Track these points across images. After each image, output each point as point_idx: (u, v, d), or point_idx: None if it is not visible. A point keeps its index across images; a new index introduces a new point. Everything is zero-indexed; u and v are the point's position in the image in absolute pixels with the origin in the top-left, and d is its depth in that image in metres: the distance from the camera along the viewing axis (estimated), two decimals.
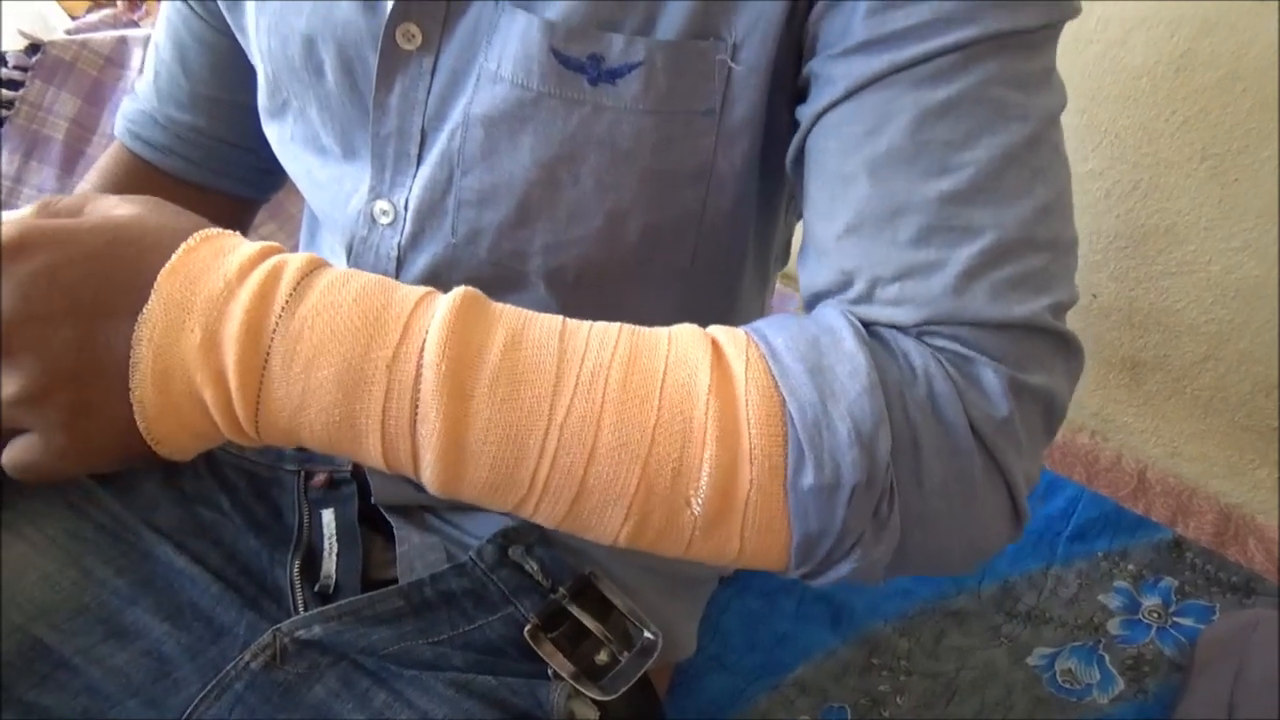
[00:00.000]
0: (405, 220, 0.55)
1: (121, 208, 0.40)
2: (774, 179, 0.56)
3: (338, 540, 0.64)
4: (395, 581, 0.61)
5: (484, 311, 0.40)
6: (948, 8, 0.42)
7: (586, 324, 0.41)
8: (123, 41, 1.08)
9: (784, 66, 0.48)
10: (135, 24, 1.18)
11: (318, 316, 0.38)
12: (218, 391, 0.37)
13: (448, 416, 0.38)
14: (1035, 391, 0.41)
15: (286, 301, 0.38)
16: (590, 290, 0.56)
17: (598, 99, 0.48)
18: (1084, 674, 0.88)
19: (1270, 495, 1.10)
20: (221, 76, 0.66)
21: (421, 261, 0.55)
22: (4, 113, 1.04)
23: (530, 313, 0.41)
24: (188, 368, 0.37)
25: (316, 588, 0.62)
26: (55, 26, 1.21)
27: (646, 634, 0.60)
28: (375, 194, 0.55)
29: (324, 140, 0.57)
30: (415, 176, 0.53)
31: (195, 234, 0.39)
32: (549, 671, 0.58)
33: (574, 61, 0.48)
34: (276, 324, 0.37)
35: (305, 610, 0.61)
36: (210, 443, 0.40)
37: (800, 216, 0.62)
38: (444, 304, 0.39)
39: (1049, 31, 0.44)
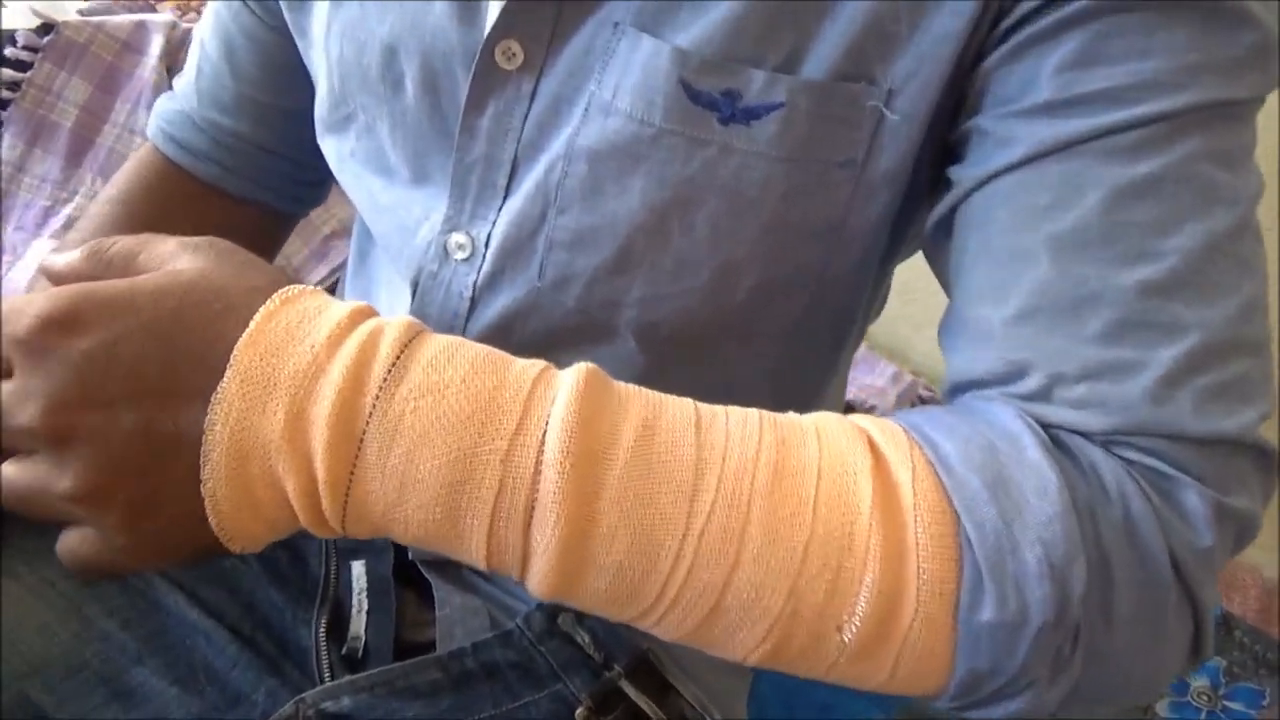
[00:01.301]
0: (485, 257, 0.49)
1: (184, 259, 0.35)
2: (900, 238, 0.50)
3: (369, 596, 0.58)
4: (431, 646, 0.56)
5: (609, 395, 0.35)
6: (1154, 70, 0.37)
7: (722, 411, 0.36)
8: (141, 26, 1.01)
9: (940, 118, 0.43)
10: (153, 7, 1.12)
11: (421, 399, 0.32)
12: (302, 481, 0.32)
13: (570, 520, 0.32)
14: (1236, 516, 0.36)
15: (385, 379, 0.32)
16: (684, 347, 0.50)
17: (727, 140, 0.43)
18: None
19: None
20: (272, 79, 0.61)
21: (499, 303, 0.50)
22: (9, 95, 0.97)
23: (657, 395, 0.36)
24: (268, 454, 0.32)
25: (344, 650, 0.56)
26: (68, 5, 1.15)
27: None
28: (451, 225, 0.49)
29: (392, 160, 0.52)
30: (501, 210, 0.48)
31: (275, 295, 0.33)
32: None
33: (705, 97, 0.42)
34: (373, 406, 0.32)
35: (332, 676, 0.55)
36: (285, 534, 0.35)
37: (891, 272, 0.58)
38: (566, 386, 0.34)
39: (1256, 105, 0.40)
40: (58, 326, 0.31)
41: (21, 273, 0.91)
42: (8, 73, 0.97)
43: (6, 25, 1.00)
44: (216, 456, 0.31)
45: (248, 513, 0.33)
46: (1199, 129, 0.37)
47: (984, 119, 0.41)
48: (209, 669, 0.54)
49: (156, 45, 1.00)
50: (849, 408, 1.10)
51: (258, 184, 0.64)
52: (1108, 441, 0.37)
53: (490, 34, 0.44)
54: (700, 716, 0.55)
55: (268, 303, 0.33)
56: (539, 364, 0.35)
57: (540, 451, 0.33)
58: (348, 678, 0.53)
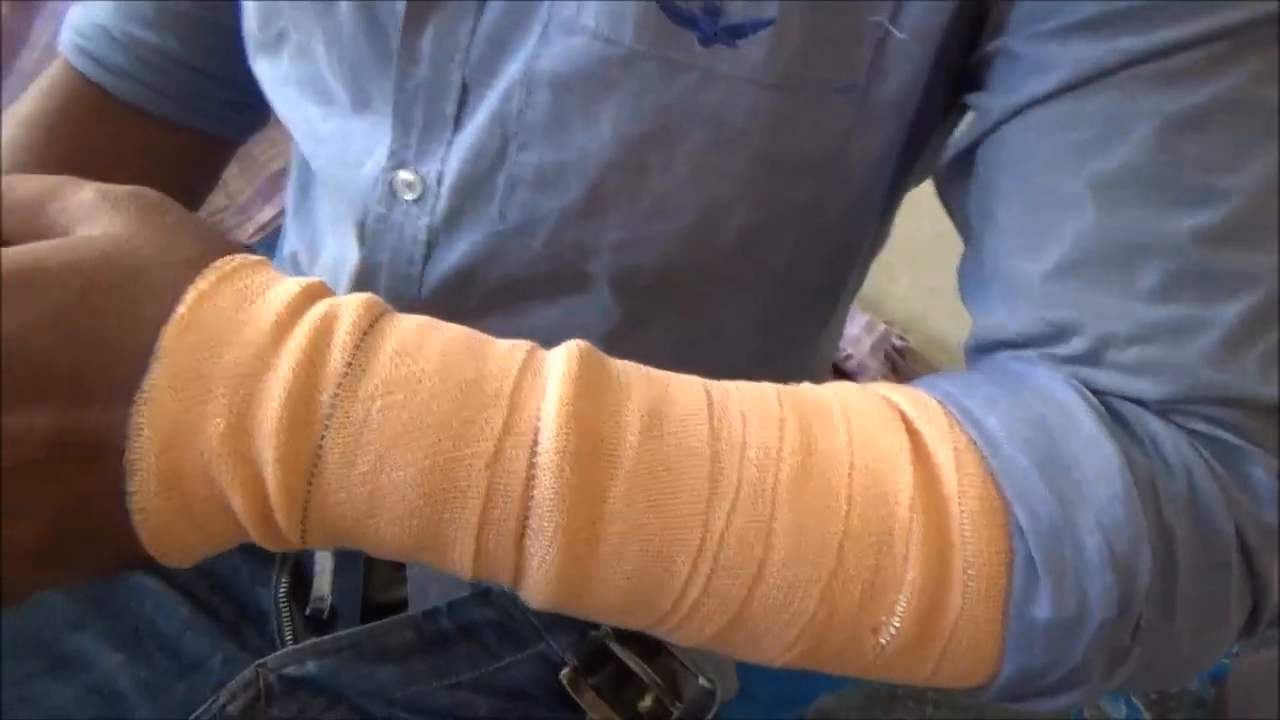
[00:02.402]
0: (439, 196, 0.44)
1: (100, 218, 0.29)
2: (907, 171, 0.46)
3: (333, 554, 0.53)
4: (402, 606, 0.52)
5: (608, 381, 0.30)
6: None
7: (733, 390, 0.32)
8: None
9: (955, 35, 0.38)
10: None
11: (389, 396, 0.28)
12: (250, 496, 0.27)
13: (572, 530, 0.28)
14: None
15: (344, 374, 0.27)
16: (663, 295, 0.46)
17: (710, 63, 0.37)
18: (1111, 709, 0.83)
19: None
20: None
21: (459, 249, 0.45)
22: None
23: (661, 376, 0.32)
24: (207, 465, 0.27)
25: (308, 611, 0.52)
26: None
27: (702, 681, 0.52)
28: (398, 161, 0.44)
29: (331, 85, 0.46)
30: (452, 143, 0.43)
31: (209, 270, 0.28)
32: None
33: (684, 14, 0.37)
34: (332, 407, 0.27)
35: (295, 640, 0.51)
36: (231, 546, 0.30)
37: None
38: (556, 375, 0.29)
39: None
40: None
41: None
42: None
43: None
44: (145, 467, 0.27)
45: (184, 528, 0.28)
46: (1261, 47, 0.33)
47: (1014, 39, 0.36)
48: (157, 634, 0.50)
49: None
50: (836, 370, 1.07)
51: (186, 107, 0.57)
52: (1165, 409, 0.33)
53: None
54: (693, 676, 0.52)
55: (198, 280, 0.28)
56: (523, 346, 0.31)
57: (533, 454, 0.28)
58: (311, 641, 0.49)
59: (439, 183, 0.43)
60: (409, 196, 0.44)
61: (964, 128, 0.40)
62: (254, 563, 0.53)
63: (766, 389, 0.33)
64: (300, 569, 0.54)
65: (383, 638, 0.49)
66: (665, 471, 0.29)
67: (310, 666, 0.48)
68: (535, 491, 0.28)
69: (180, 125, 0.58)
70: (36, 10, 0.92)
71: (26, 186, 0.30)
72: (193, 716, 0.46)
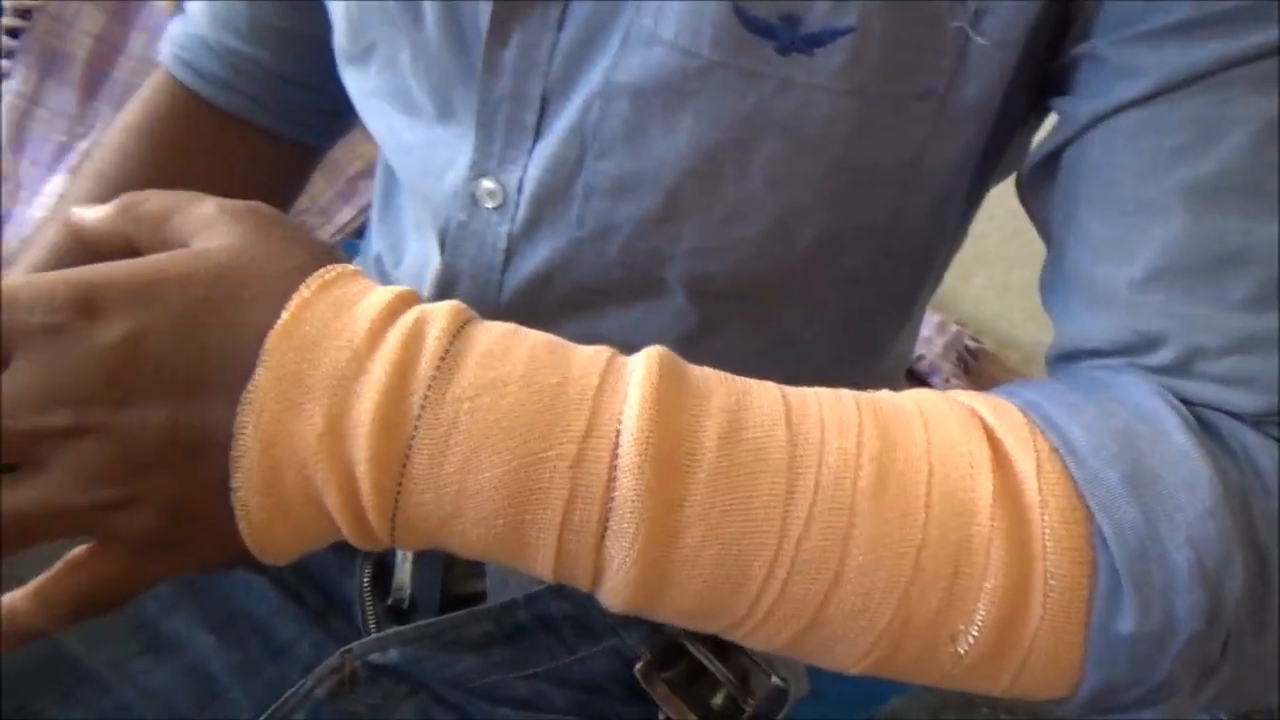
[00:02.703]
0: (519, 205, 0.45)
1: (220, 229, 0.31)
2: (986, 176, 0.46)
3: None
4: (481, 598, 0.53)
5: (688, 388, 0.31)
6: None
7: (813, 397, 0.32)
8: None
9: (1038, 39, 0.38)
10: None
11: (477, 399, 0.29)
12: (343, 493, 0.29)
13: (651, 533, 0.29)
14: None
15: (434, 377, 0.29)
16: (738, 302, 0.46)
17: (787, 72, 0.37)
18: None
19: None
20: (290, 2, 0.56)
21: (538, 255, 0.45)
22: (20, 24, 0.93)
23: (740, 382, 0.32)
24: (304, 463, 0.28)
25: (389, 601, 0.54)
26: None
27: (775, 680, 0.52)
28: (479, 170, 0.45)
29: (415, 96, 0.47)
30: (533, 153, 0.43)
31: (310, 280, 0.30)
32: (660, 717, 0.50)
33: (761, 23, 0.37)
34: (422, 408, 0.29)
35: (377, 628, 0.53)
36: (323, 545, 0.31)
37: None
38: (637, 380, 0.30)
39: None
40: (79, 314, 0.28)
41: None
42: (19, 1, 0.93)
43: None
44: (248, 464, 0.28)
45: (282, 524, 0.29)
46: None
47: (1101, 43, 0.36)
48: (249, 619, 0.52)
49: None
50: (913, 375, 1.06)
51: (281, 116, 0.60)
52: (1261, 421, 0.33)
53: None
54: (766, 674, 0.53)
55: (300, 289, 0.30)
56: (605, 352, 0.32)
57: (614, 456, 0.29)
58: (395, 629, 0.50)
59: (519, 191, 0.44)
60: (490, 205, 0.45)
61: (1047, 132, 0.39)
62: (339, 553, 0.55)
63: (845, 395, 0.33)
64: (383, 560, 0.55)
65: (463, 628, 0.51)
66: (744, 477, 0.30)
67: (393, 654, 0.49)
68: (616, 493, 0.29)
69: (272, 131, 0.61)
70: (132, 21, 0.96)
71: (154, 201, 0.32)
72: (281, 699, 0.48)
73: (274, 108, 0.60)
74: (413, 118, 0.48)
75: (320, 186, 0.97)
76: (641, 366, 0.31)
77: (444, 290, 0.48)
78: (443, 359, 0.29)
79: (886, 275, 0.47)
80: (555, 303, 0.47)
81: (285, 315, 0.29)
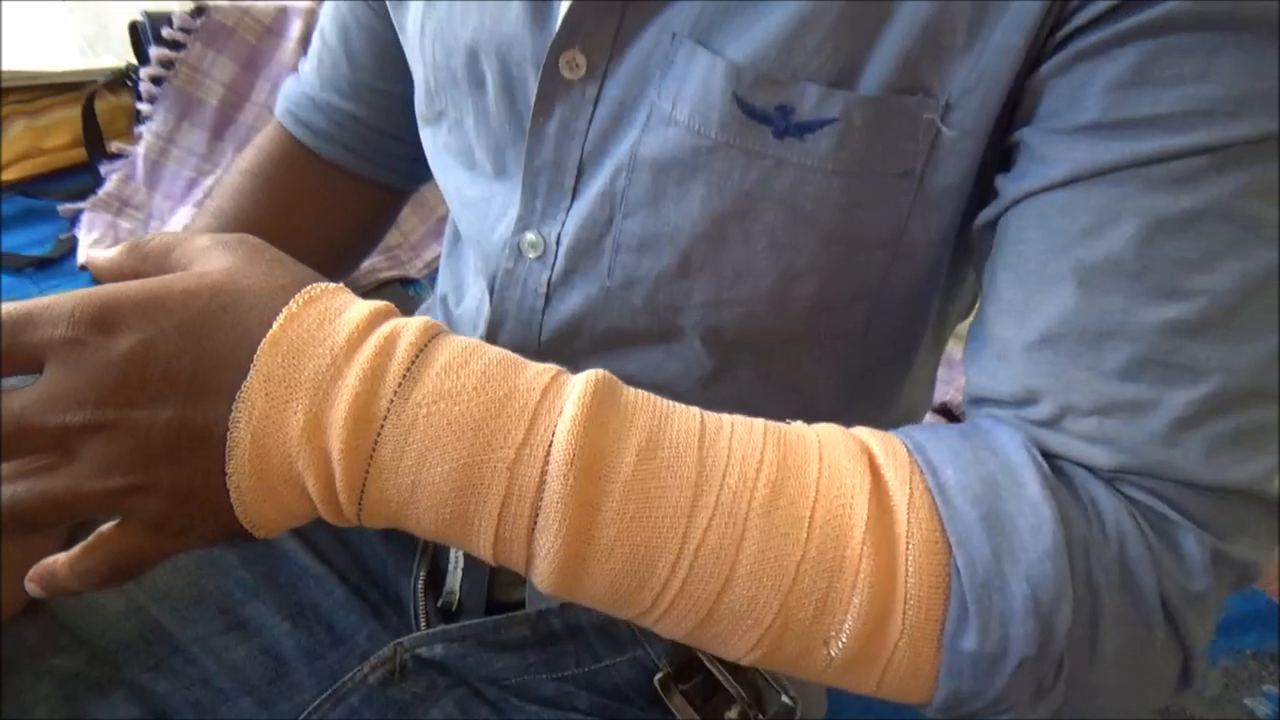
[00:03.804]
0: (557, 256, 0.51)
1: (214, 258, 0.36)
2: (966, 245, 0.50)
3: (464, 555, 0.61)
4: (520, 605, 0.58)
5: (616, 408, 0.35)
6: (1210, 97, 0.35)
7: (728, 425, 0.37)
8: (283, 11, 1.08)
9: (1001, 128, 0.42)
10: None
11: (434, 405, 0.34)
12: (320, 478, 0.34)
13: (570, 530, 0.33)
14: (1236, 563, 0.36)
15: (399, 384, 0.34)
16: (749, 350, 0.51)
17: (782, 154, 0.43)
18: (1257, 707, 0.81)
19: None
20: (383, 67, 0.64)
21: (572, 300, 0.51)
22: (163, 73, 1.05)
23: (667, 406, 0.37)
24: (289, 452, 0.33)
25: (440, 602, 0.60)
26: None
27: (784, 698, 0.56)
28: (524, 224, 0.51)
29: (477, 155, 0.54)
30: (570, 211, 0.49)
31: (298, 296, 0.34)
32: None
33: (759, 112, 0.42)
34: (388, 410, 0.33)
35: (427, 625, 0.58)
36: (304, 521, 0.37)
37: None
38: (573, 398, 0.35)
39: None
40: (96, 327, 0.32)
41: None
42: (164, 52, 1.05)
43: (164, 8, 1.08)
44: (240, 453, 0.33)
45: (269, 504, 0.34)
46: (1249, 162, 0.35)
47: (1030, 132, 0.40)
48: (316, 609, 0.58)
49: (296, 29, 1.07)
50: (947, 411, 1.08)
51: (372, 162, 0.68)
52: (1113, 478, 0.36)
53: (554, 43, 0.45)
54: (776, 692, 0.56)
55: (290, 304, 0.34)
56: (550, 370, 0.36)
57: (545, 463, 0.33)
58: (442, 627, 0.56)
59: (558, 244, 0.50)
60: (532, 255, 0.51)
61: (989, 205, 0.43)
62: (397, 555, 0.61)
63: (757, 425, 0.37)
64: (436, 565, 0.61)
65: (502, 630, 0.56)
66: (655, 489, 0.34)
67: (439, 649, 0.55)
68: (545, 494, 0.34)
69: (365, 176, 0.69)
70: (259, 72, 1.07)
71: (157, 240, 0.38)
72: (340, 681, 0.54)
73: (368, 156, 0.68)
74: (473, 174, 0.54)
75: (413, 224, 1.06)
76: (579, 386, 0.35)
77: (493, 329, 0.54)
78: (409, 369, 0.34)
79: (883, 330, 0.51)
80: (587, 344, 0.52)
81: (275, 326, 0.33)
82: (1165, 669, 0.37)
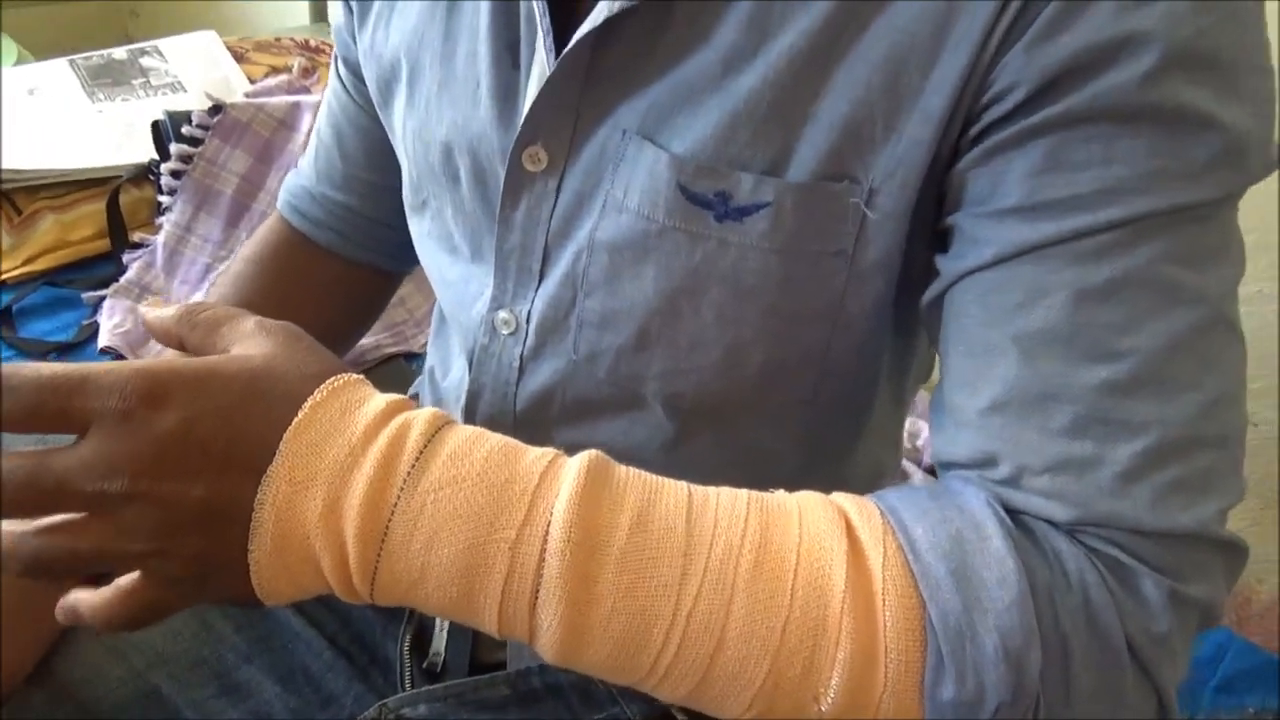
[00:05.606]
0: (528, 333, 0.54)
1: (256, 343, 0.39)
2: (910, 313, 0.53)
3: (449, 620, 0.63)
4: (503, 666, 0.60)
5: (609, 486, 0.38)
6: (1116, 177, 0.39)
7: (714, 496, 0.39)
8: (296, 106, 1.14)
9: (925, 212, 0.46)
10: (308, 90, 1.25)
11: (440, 491, 0.36)
12: (335, 560, 0.36)
13: (569, 603, 0.36)
14: (1195, 602, 0.38)
15: (409, 474, 0.36)
16: (708, 416, 0.54)
17: (723, 235, 0.46)
18: None
19: None
20: (374, 161, 0.69)
21: (543, 373, 0.55)
22: (183, 167, 1.11)
23: (656, 481, 0.40)
24: (307, 534, 0.36)
25: (425, 664, 0.62)
26: (236, 89, 1.30)
27: None
28: (498, 303, 0.55)
29: (456, 240, 0.58)
30: (538, 291, 0.53)
31: (323, 386, 0.37)
32: None
33: (700, 198, 0.46)
34: (398, 498, 0.36)
35: (412, 685, 0.61)
36: (312, 595, 0.40)
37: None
38: (569, 480, 0.37)
39: (1228, 201, 0.41)
40: (145, 401, 0.34)
41: None
42: (184, 148, 1.11)
43: (185, 108, 1.15)
44: (263, 532, 0.36)
45: (284, 578, 0.37)
46: (1162, 232, 0.39)
47: (960, 217, 0.43)
48: (306, 671, 0.60)
49: (306, 123, 1.13)
50: (931, 471, 1.10)
51: (365, 248, 0.73)
52: (1072, 529, 0.39)
53: (519, 139, 0.49)
54: None
55: (315, 394, 0.37)
56: (549, 454, 0.39)
57: (545, 541, 0.36)
58: (426, 688, 0.58)
59: (528, 321, 0.54)
60: (506, 331, 0.55)
61: (933, 284, 0.47)
62: (384, 619, 0.64)
63: (741, 496, 0.40)
64: (422, 628, 0.64)
65: (484, 690, 0.57)
66: (647, 561, 0.37)
67: (422, 709, 0.56)
68: (545, 571, 0.36)
69: (358, 261, 0.74)
70: (272, 163, 1.13)
71: (207, 313, 0.41)
72: None
73: (359, 241, 0.73)
74: (454, 258, 0.59)
75: (417, 301, 1.10)
76: (574, 467, 0.38)
77: (472, 401, 0.58)
78: (418, 459, 0.37)
79: (832, 394, 0.54)
80: (559, 413, 0.55)
81: (300, 415, 0.36)
82: (1140, 706, 0.38)
